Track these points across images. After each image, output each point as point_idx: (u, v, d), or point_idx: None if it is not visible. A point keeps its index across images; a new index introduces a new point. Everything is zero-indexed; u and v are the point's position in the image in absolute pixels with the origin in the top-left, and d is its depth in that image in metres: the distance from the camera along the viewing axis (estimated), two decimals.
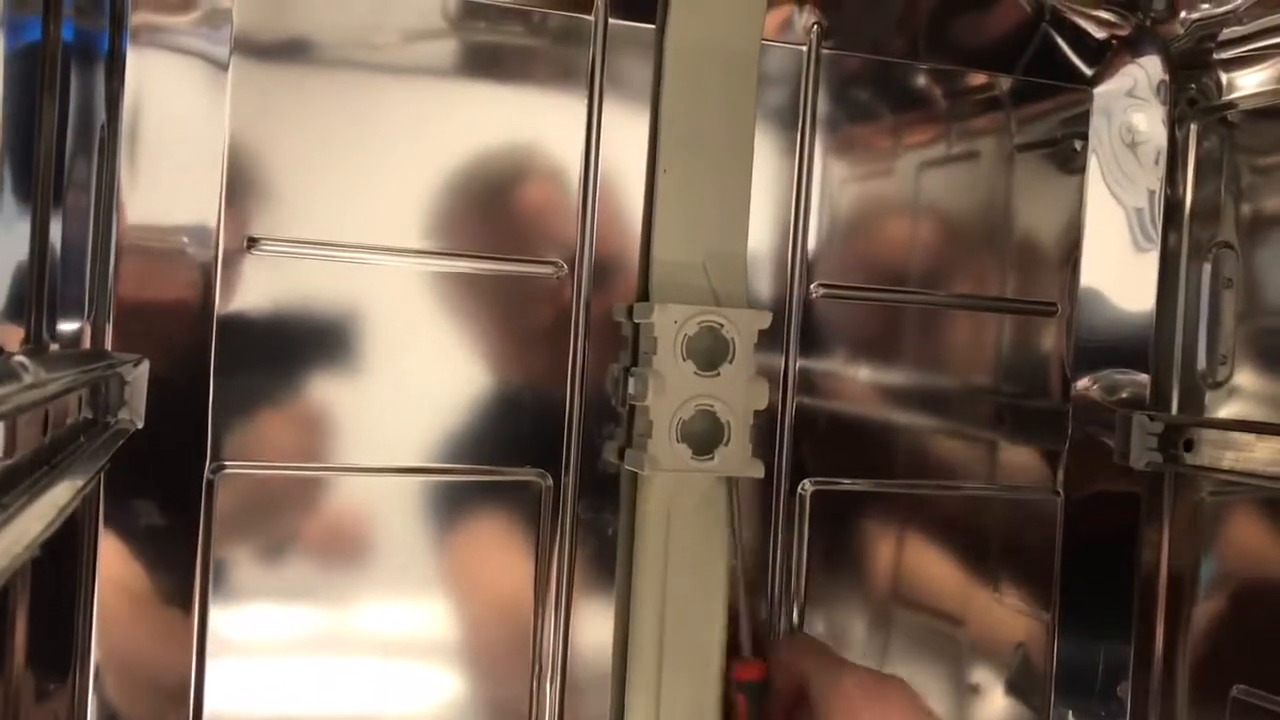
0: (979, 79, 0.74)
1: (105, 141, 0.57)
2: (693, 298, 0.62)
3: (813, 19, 0.68)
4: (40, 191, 0.46)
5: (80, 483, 0.41)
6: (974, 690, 0.75)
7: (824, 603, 0.71)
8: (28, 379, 0.32)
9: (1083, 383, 0.76)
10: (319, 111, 0.61)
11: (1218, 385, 0.74)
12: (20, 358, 0.33)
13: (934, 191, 0.74)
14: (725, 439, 0.61)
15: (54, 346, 0.49)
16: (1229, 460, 0.68)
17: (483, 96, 0.64)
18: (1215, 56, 0.74)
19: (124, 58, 0.58)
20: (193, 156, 0.59)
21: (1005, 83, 0.74)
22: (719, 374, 0.61)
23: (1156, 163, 0.76)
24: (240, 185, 0.60)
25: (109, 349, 0.57)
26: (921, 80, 0.73)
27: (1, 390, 0.29)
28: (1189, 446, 0.71)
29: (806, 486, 0.70)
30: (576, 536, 0.66)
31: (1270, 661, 0.69)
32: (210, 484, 0.60)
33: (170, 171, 0.59)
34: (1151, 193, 0.76)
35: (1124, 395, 0.76)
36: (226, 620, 0.61)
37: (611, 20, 0.64)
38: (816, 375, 0.70)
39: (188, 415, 0.59)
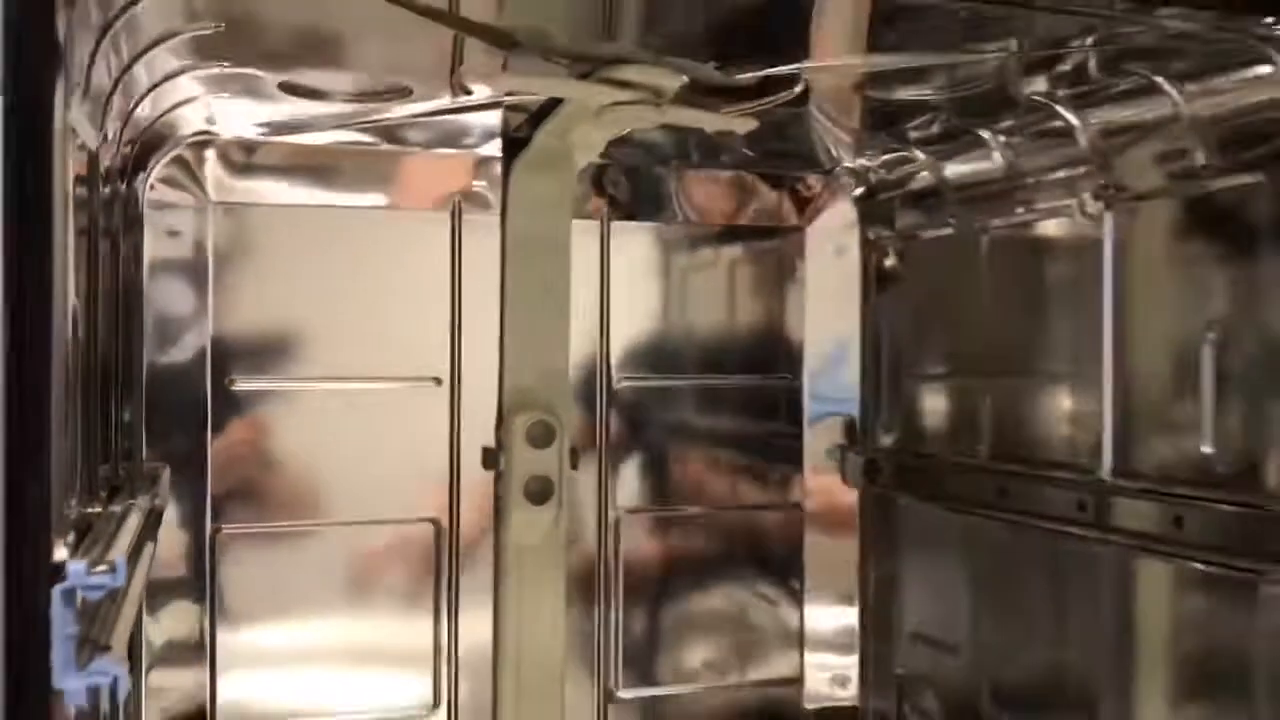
0: (725, 227, 1.07)
1: (131, 308, 0.87)
2: (534, 403, 0.92)
3: (603, 202, 1.01)
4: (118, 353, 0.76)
5: (153, 547, 0.71)
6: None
7: (641, 599, 1.04)
8: (159, 501, 0.62)
9: (814, 429, 1.10)
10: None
11: (890, 430, 1.08)
12: (153, 492, 0.63)
13: (697, 308, 1.07)
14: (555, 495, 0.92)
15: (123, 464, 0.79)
16: (910, 484, 1.03)
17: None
18: (888, 200, 1.08)
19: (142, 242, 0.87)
20: (187, 315, 0.89)
21: (744, 228, 1.08)
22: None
23: (855, 274, 1.10)
24: (222, 335, 0.90)
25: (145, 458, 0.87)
26: (686, 233, 1.06)
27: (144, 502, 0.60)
28: (875, 473, 1.06)
29: (620, 513, 1.03)
30: (460, 564, 0.97)
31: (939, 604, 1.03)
32: (214, 541, 0.90)
33: (174, 326, 0.89)
34: (853, 294, 1.11)
35: (841, 436, 1.10)
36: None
37: (465, 216, 0.96)
38: (623, 437, 1.03)
39: (195, 495, 0.90)
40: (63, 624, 0.41)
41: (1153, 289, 0.79)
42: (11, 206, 0.41)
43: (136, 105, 0.71)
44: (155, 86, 0.70)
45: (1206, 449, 0.73)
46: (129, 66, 0.63)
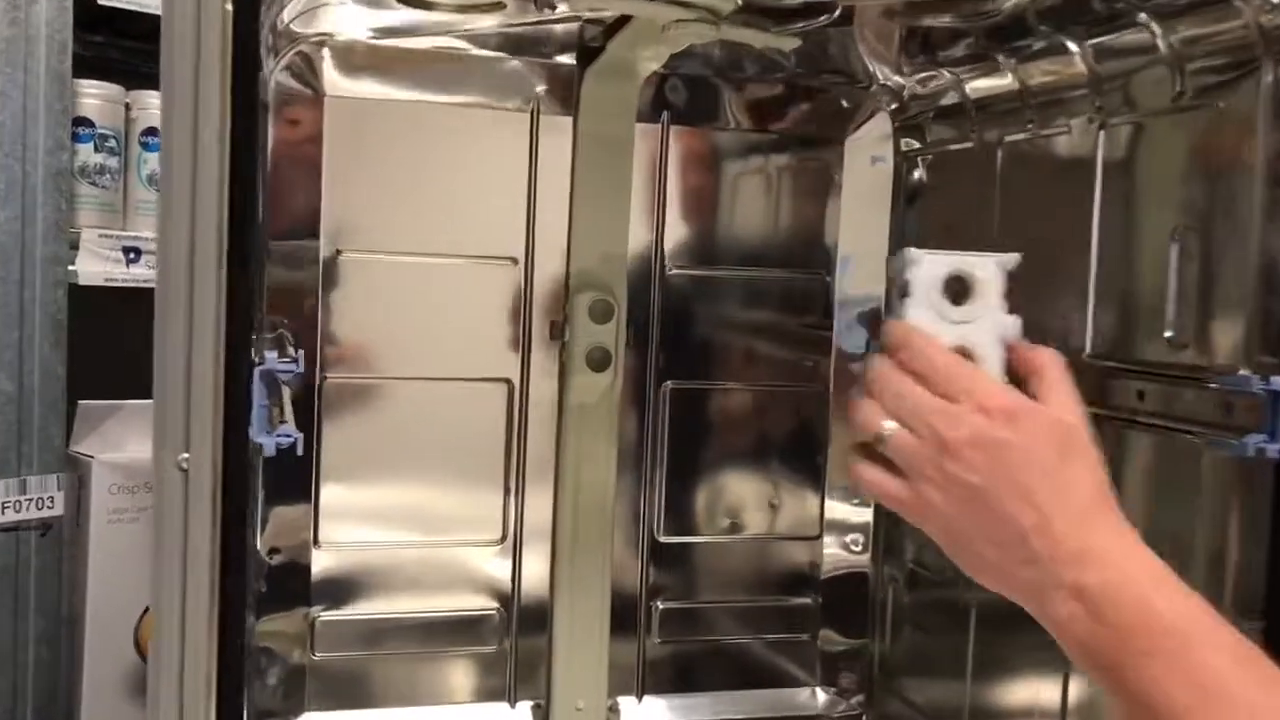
0: (775, 136, 1.20)
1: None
2: (596, 283, 1.07)
3: (663, 107, 1.15)
4: None
5: None
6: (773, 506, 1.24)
7: (680, 463, 1.19)
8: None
9: (840, 314, 1.23)
10: None
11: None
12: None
13: (745, 205, 1.21)
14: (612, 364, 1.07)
15: None
16: None
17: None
18: (920, 115, 1.20)
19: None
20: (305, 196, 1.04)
21: (789, 136, 1.21)
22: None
23: (888, 184, 1.23)
24: (332, 213, 1.05)
25: None
26: (736, 139, 1.19)
27: None
28: None
29: (667, 386, 1.18)
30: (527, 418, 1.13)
31: None
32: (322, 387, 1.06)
33: (292, 205, 1.04)
34: (885, 203, 1.23)
35: (865, 320, 1.24)
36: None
37: (543, 116, 1.10)
38: (672, 316, 1.17)
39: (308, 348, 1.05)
40: (260, 396, 0.57)
41: (1131, 199, 0.92)
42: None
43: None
44: None
45: (1168, 334, 0.87)
46: None
